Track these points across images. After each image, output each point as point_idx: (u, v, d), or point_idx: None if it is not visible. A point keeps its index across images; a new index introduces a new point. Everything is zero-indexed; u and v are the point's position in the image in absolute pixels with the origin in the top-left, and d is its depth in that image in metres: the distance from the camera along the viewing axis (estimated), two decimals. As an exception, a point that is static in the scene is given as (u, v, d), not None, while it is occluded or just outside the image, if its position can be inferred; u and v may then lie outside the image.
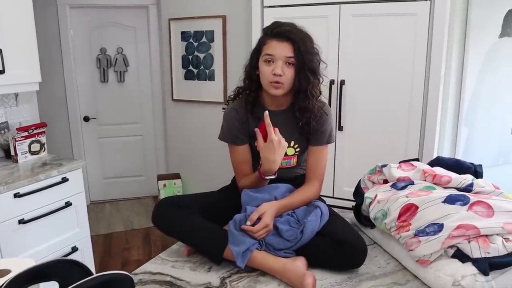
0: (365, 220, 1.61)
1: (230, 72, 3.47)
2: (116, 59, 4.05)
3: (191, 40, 3.65)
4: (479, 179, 1.45)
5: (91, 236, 2.64)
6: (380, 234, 1.53)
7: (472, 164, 1.58)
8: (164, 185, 3.88)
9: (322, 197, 1.70)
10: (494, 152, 2.79)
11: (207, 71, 3.62)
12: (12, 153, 2.51)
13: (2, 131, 2.61)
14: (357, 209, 1.67)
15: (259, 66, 1.52)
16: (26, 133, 2.54)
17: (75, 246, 2.48)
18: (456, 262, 1.19)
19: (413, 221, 1.33)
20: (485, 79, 2.66)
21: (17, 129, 2.54)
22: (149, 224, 3.74)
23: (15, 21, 2.34)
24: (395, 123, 2.58)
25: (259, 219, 1.40)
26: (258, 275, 1.35)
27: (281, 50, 1.46)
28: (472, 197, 1.29)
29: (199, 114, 3.72)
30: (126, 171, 4.31)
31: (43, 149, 2.66)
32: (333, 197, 2.80)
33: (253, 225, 1.39)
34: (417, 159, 1.71)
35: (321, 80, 1.56)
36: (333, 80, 2.67)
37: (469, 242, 1.18)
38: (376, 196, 1.52)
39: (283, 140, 1.43)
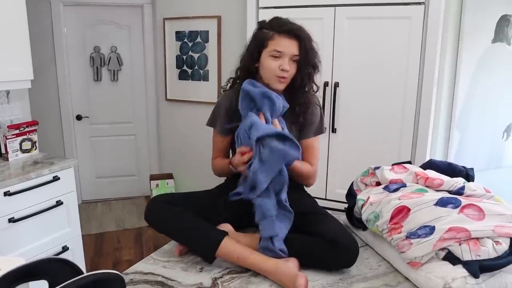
0: (357, 222, 1.62)
1: (224, 72, 3.47)
2: (110, 58, 4.03)
3: (185, 40, 3.64)
4: (471, 183, 1.46)
5: (82, 235, 2.62)
6: (372, 236, 1.53)
7: (464, 167, 1.59)
8: (157, 185, 3.87)
9: (316, 199, 1.70)
10: (486, 156, 2.82)
11: (201, 71, 3.62)
12: (3, 151, 2.49)
13: (-7, 129, 2.58)
14: (350, 211, 1.68)
15: (261, 58, 1.57)
16: (17, 131, 2.52)
17: (65, 246, 2.46)
18: (447, 265, 1.20)
19: (405, 223, 1.33)
20: (477, 84, 2.68)
21: (8, 126, 2.51)
22: (141, 224, 3.73)
23: (7, 17, 2.32)
24: (388, 125, 2.59)
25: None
26: (250, 276, 1.34)
27: (290, 47, 1.52)
28: (464, 200, 1.30)
29: (192, 114, 3.72)
30: (118, 170, 4.29)
31: (35, 147, 2.63)
32: (325, 199, 2.80)
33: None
34: (409, 162, 1.71)
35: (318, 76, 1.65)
36: (327, 82, 2.68)
37: (460, 244, 1.19)
38: (368, 198, 1.53)
39: None
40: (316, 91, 1.69)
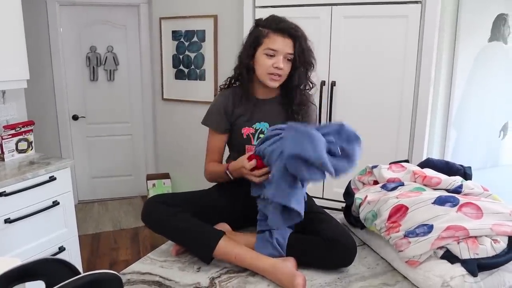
0: (355, 221, 1.62)
1: (221, 72, 3.46)
2: (106, 57, 4.02)
3: (182, 39, 3.63)
4: (468, 181, 1.46)
5: (78, 236, 2.60)
6: (370, 235, 1.53)
7: (461, 166, 1.59)
8: (153, 185, 3.85)
9: (313, 199, 1.70)
10: (483, 154, 2.82)
11: (197, 70, 3.61)
12: (-1, 151, 2.47)
13: (-11, 129, 2.57)
14: (347, 210, 1.67)
15: (256, 56, 1.58)
16: (13, 131, 2.50)
17: (62, 246, 2.45)
18: (445, 263, 1.20)
19: (403, 222, 1.33)
20: (474, 83, 2.68)
21: (4, 127, 2.50)
22: (138, 224, 3.72)
23: (3, 17, 2.30)
24: (386, 124, 2.59)
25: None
26: (247, 276, 1.34)
27: (284, 46, 1.53)
28: (462, 199, 1.30)
29: (189, 113, 3.70)
30: (115, 170, 4.27)
31: (31, 147, 2.62)
32: (323, 198, 2.80)
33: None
34: (407, 161, 1.71)
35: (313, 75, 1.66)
36: (324, 81, 2.67)
37: (458, 243, 1.19)
38: (366, 197, 1.53)
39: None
40: (312, 88, 1.70)
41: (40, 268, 0.86)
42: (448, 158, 2.71)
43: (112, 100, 4.12)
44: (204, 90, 3.58)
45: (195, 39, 3.56)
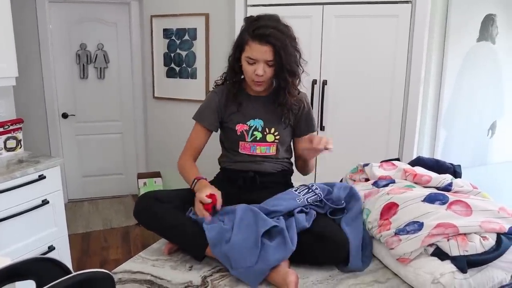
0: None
1: (213, 70, 3.46)
2: (97, 55, 3.98)
3: (173, 37, 3.62)
4: (458, 179, 1.48)
5: (68, 235, 2.58)
6: (361, 233, 1.54)
7: (451, 164, 1.61)
8: (144, 184, 3.83)
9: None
10: (471, 153, 2.85)
11: (189, 69, 3.60)
12: (-13, 149, 2.44)
13: (-23, 127, 2.53)
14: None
15: (241, 60, 1.58)
16: (1, 129, 2.47)
17: (52, 245, 2.43)
18: (435, 260, 1.21)
19: (393, 219, 1.34)
20: (463, 82, 2.71)
21: (-8, 125, 2.47)
22: (129, 223, 3.70)
23: (-9, 13, 2.27)
24: (376, 123, 2.61)
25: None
26: (239, 274, 1.34)
27: (262, 54, 1.50)
28: (451, 197, 1.31)
29: (180, 112, 3.69)
30: (105, 169, 4.24)
31: (20, 145, 2.59)
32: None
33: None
34: (398, 159, 1.73)
35: (300, 78, 1.62)
36: (316, 80, 2.68)
37: (448, 240, 1.20)
38: (358, 194, 1.53)
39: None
40: (298, 94, 1.66)
41: (30, 267, 0.85)
42: (438, 156, 2.74)
43: (102, 98, 4.09)
44: (195, 89, 3.57)
45: (186, 37, 3.55)
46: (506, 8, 2.68)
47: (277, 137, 1.66)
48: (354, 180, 1.72)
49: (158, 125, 3.92)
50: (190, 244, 1.41)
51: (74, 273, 0.81)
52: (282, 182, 1.73)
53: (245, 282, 1.26)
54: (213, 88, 1.77)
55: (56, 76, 3.89)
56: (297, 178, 1.83)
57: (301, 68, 1.60)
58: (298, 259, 1.37)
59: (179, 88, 3.68)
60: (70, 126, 4.04)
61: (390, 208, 1.36)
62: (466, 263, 1.15)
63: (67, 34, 3.88)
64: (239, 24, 2.84)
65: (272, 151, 1.67)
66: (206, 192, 1.45)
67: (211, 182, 1.72)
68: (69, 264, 2.61)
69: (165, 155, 3.92)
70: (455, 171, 1.59)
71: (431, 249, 1.23)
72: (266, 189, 1.61)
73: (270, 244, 1.31)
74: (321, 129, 2.73)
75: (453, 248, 1.18)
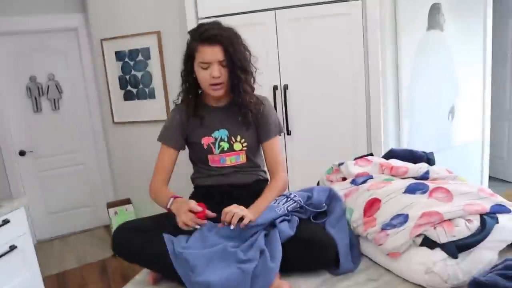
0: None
1: (171, 87, 3.39)
2: (48, 86, 3.83)
3: (126, 59, 3.53)
4: (434, 166, 1.50)
5: (43, 278, 2.44)
6: (347, 233, 1.53)
7: (424, 152, 1.64)
8: (116, 213, 3.70)
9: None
10: (436, 139, 2.93)
11: (146, 89, 3.52)
12: None
13: None
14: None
15: (195, 70, 1.57)
16: (-45, 177, 2.32)
17: (25, 293, 2.28)
18: (425, 250, 1.21)
19: (378, 215, 1.34)
20: (419, 71, 2.78)
21: None
22: (105, 255, 3.55)
23: None
24: (342, 122, 2.63)
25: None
26: (232, 293, 1.29)
27: (213, 55, 1.51)
28: (431, 185, 1.33)
29: (143, 134, 3.59)
30: (72, 203, 4.06)
31: (-23, 191, 2.44)
32: (291, 202, 2.79)
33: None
34: (371, 154, 1.74)
35: (253, 75, 1.62)
36: (276, 86, 2.68)
37: (434, 228, 1.21)
38: (338, 194, 1.53)
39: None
40: (253, 91, 1.65)
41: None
42: (405, 146, 2.79)
43: (59, 131, 3.92)
44: (155, 109, 3.49)
45: (140, 57, 3.47)
46: (448, -4, 2.78)
47: (244, 144, 1.63)
48: (331, 181, 1.72)
49: (122, 150, 3.80)
50: (176, 271, 1.34)
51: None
52: (259, 192, 1.69)
53: None
54: (173, 108, 1.74)
55: (8, 112, 3.70)
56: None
57: (253, 66, 1.60)
58: (288, 268, 1.34)
59: (139, 110, 3.58)
60: (29, 163, 3.85)
61: (372, 204, 1.36)
62: (456, 248, 1.16)
63: (14, 67, 3.70)
64: (193, 38, 2.83)
65: (242, 159, 1.64)
66: (193, 203, 1.43)
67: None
68: (46, 309, 2.46)
69: (133, 181, 3.80)
70: (429, 159, 1.61)
71: (419, 240, 1.23)
72: (244, 201, 1.57)
73: (255, 272, 1.26)
74: (287, 134, 2.73)
75: (441, 235, 1.19)
